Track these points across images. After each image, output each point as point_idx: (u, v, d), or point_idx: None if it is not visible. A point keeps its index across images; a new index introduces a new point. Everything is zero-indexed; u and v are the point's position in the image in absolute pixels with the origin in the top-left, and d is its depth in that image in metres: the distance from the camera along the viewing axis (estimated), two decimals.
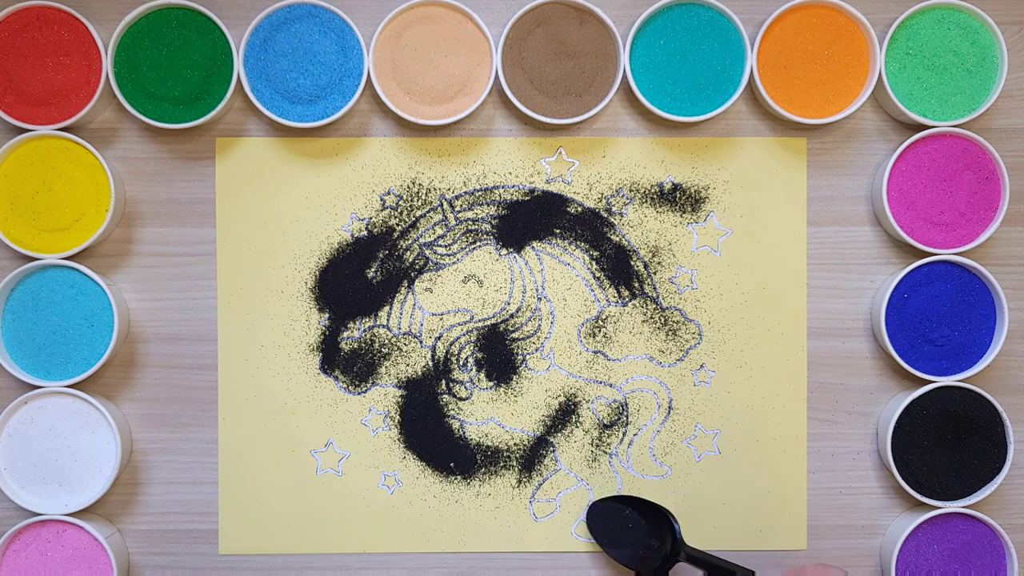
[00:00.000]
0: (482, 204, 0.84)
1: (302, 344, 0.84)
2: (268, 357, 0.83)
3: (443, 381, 0.84)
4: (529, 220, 0.84)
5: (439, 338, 0.84)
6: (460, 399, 0.84)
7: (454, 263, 0.84)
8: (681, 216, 0.84)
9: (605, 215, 0.84)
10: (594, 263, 0.84)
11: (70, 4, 0.81)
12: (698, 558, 0.80)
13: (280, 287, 0.84)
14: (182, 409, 0.84)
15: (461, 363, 0.84)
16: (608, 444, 0.84)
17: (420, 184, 0.84)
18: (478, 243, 0.84)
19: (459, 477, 0.84)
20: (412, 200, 0.84)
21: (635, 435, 0.84)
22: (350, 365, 0.83)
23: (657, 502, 0.82)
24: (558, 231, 0.84)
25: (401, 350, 0.83)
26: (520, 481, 0.84)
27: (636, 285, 0.84)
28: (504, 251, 0.84)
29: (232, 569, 0.83)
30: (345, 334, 0.84)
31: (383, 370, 0.83)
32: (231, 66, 0.81)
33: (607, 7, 0.83)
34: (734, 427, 0.84)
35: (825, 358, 0.84)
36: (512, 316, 0.84)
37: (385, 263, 0.84)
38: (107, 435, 0.81)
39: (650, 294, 0.84)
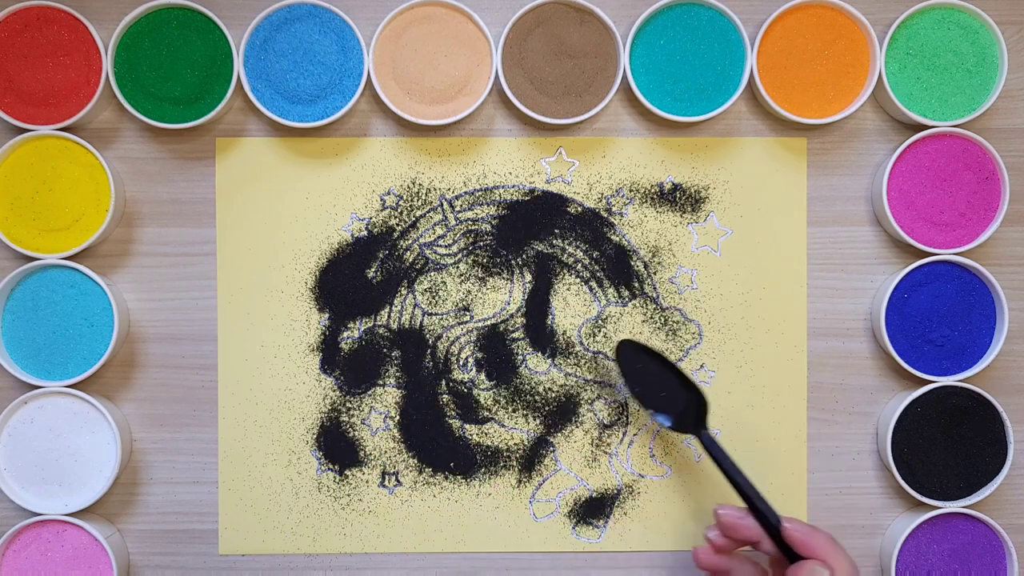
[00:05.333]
0: (482, 204, 0.84)
1: (302, 344, 0.84)
2: (268, 357, 0.83)
3: (443, 381, 0.84)
4: (529, 220, 0.84)
5: (439, 338, 0.84)
6: (460, 399, 0.84)
7: (454, 263, 0.84)
8: (681, 216, 0.84)
9: (605, 215, 0.84)
10: (594, 263, 0.84)
11: (70, 4, 0.81)
12: (715, 455, 0.77)
13: (280, 287, 0.84)
14: (182, 409, 0.84)
15: (461, 363, 0.84)
16: (608, 444, 0.84)
17: (420, 184, 0.84)
18: (478, 243, 0.84)
19: (459, 477, 0.84)
20: (412, 200, 0.84)
21: (635, 435, 0.84)
22: (350, 365, 0.83)
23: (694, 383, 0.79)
24: (558, 231, 0.84)
25: (401, 350, 0.83)
26: (520, 481, 0.84)
27: (636, 285, 0.84)
28: (504, 251, 0.84)
29: (232, 569, 0.83)
30: (345, 334, 0.84)
31: (383, 370, 0.83)
32: (231, 66, 0.81)
33: (607, 7, 0.83)
34: (734, 427, 0.84)
35: (825, 358, 0.84)
36: (512, 316, 0.84)
37: (385, 263, 0.84)
38: (107, 435, 0.81)
39: (650, 294, 0.84)
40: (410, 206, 0.84)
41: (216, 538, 0.83)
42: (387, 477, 0.84)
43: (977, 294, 0.82)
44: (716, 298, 0.84)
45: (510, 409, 0.84)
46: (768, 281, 0.84)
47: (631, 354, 0.80)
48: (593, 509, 0.84)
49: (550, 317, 0.84)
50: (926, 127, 0.82)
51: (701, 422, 0.78)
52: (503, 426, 0.84)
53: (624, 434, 0.84)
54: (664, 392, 0.80)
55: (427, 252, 0.84)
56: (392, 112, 0.82)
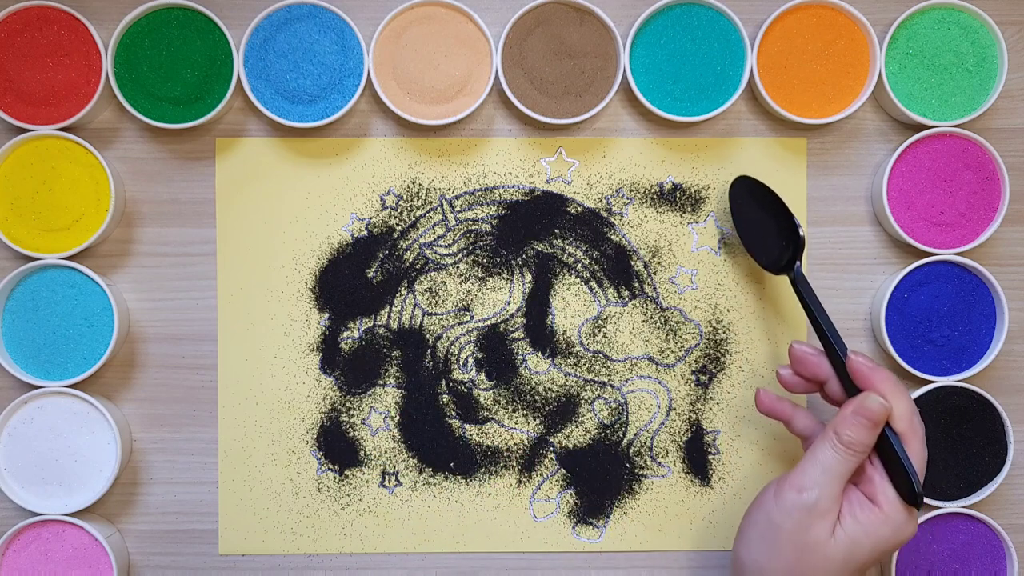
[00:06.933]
0: (482, 204, 0.84)
1: (302, 344, 0.84)
2: (268, 357, 0.83)
3: (443, 381, 0.84)
4: (529, 220, 0.84)
5: (439, 338, 0.84)
6: (460, 399, 0.84)
7: (454, 263, 0.84)
8: (681, 216, 0.84)
9: (605, 215, 0.84)
10: (594, 263, 0.84)
11: (70, 4, 0.81)
12: (802, 291, 0.77)
13: (280, 287, 0.84)
14: (182, 409, 0.84)
15: (461, 363, 0.84)
16: (608, 444, 0.84)
17: (420, 184, 0.84)
18: (478, 243, 0.84)
19: (459, 477, 0.84)
20: (412, 200, 0.84)
21: (635, 435, 0.84)
22: (350, 365, 0.83)
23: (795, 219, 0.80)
24: (558, 231, 0.84)
25: (401, 350, 0.83)
26: (520, 481, 0.84)
27: (636, 285, 0.84)
28: (504, 251, 0.84)
29: (232, 569, 0.83)
30: (345, 334, 0.84)
31: (383, 370, 0.83)
32: (231, 66, 0.81)
33: (607, 7, 0.83)
34: (734, 427, 0.84)
35: None
36: (512, 316, 0.84)
37: (385, 263, 0.84)
38: (107, 435, 0.81)
39: (650, 294, 0.84)
40: (410, 206, 0.84)
41: (216, 538, 0.83)
42: (387, 477, 0.84)
43: (977, 294, 0.82)
44: (716, 298, 0.84)
45: (510, 409, 0.84)
46: (768, 281, 0.84)
47: (741, 192, 0.82)
48: (593, 509, 0.84)
49: (550, 317, 0.84)
50: (926, 127, 0.82)
51: (792, 263, 0.78)
52: (503, 426, 0.84)
53: (624, 434, 0.84)
54: (763, 233, 0.81)
55: (427, 252, 0.84)
56: (392, 112, 0.82)
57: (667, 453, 0.84)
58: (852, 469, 0.71)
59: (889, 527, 0.70)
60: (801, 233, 0.78)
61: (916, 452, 0.71)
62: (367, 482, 0.84)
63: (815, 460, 0.71)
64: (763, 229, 0.81)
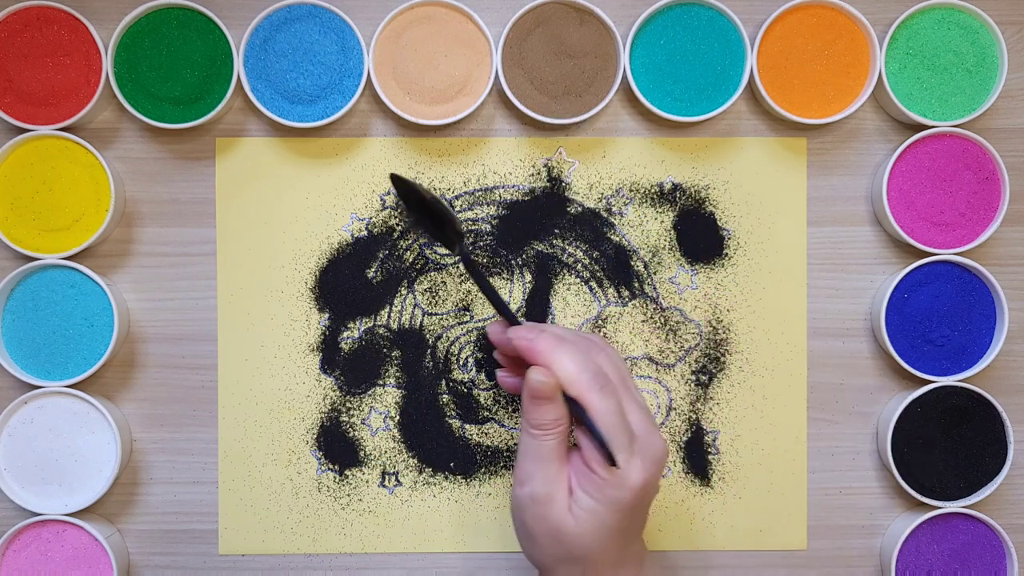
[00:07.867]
0: (482, 204, 0.84)
1: (302, 344, 0.84)
2: (268, 357, 0.83)
3: (443, 381, 0.84)
4: (529, 220, 0.84)
5: (439, 338, 0.84)
6: (460, 399, 0.84)
7: (454, 263, 0.84)
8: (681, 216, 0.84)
9: (605, 215, 0.84)
10: (594, 263, 0.84)
11: (70, 4, 0.81)
12: (471, 272, 0.73)
13: (280, 287, 0.84)
14: (182, 409, 0.84)
15: (461, 363, 0.84)
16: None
17: (420, 184, 0.84)
18: (478, 243, 0.84)
19: (459, 477, 0.84)
20: None
21: None
22: (350, 365, 0.83)
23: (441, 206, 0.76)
24: (558, 231, 0.84)
25: (401, 350, 0.83)
26: None
27: (636, 285, 0.84)
28: (504, 251, 0.84)
29: (232, 569, 0.83)
30: (345, 334, 0.84)
31: (383, 370, 0.83)
32: (231, 66, 0.81)
33: (607, 7, 0.83)
34: (734, 427, 0.84)
35: (825, 358, 0.84)
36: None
37: (385, 263, 0.84)
38: (107, 435, 0.81)
39: (650, 294, 0.84)
40: None
41: (216, 538, 0.83)
42: (387, 477, 0.84)
43: (977, 294, 0.82)
44: (716, 298, 0.84)
45: (510, 409, 0.84)
46: (768, 281, 0.84)
47: (402, 191, 0.78)
48: None
49: (550, 317, 0.84)
50: (926, 127, 0.82)
51: (457, 242, 0.74)
52: (503, 426, 0.84)
53: None
54: (431, 221, 0.76)
55: (427, 252, 0.84)
56: (392, 112, 0.82)
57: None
58: (557, 447, 0.67)
59: (613, 488, 0.66)
60: (449, 214, 0.75)
61: (598, 409, 0.66)
62: (367, 482, 0.84)
63: (522, 450, 0.68)
64: (431, 216, 0.76)
